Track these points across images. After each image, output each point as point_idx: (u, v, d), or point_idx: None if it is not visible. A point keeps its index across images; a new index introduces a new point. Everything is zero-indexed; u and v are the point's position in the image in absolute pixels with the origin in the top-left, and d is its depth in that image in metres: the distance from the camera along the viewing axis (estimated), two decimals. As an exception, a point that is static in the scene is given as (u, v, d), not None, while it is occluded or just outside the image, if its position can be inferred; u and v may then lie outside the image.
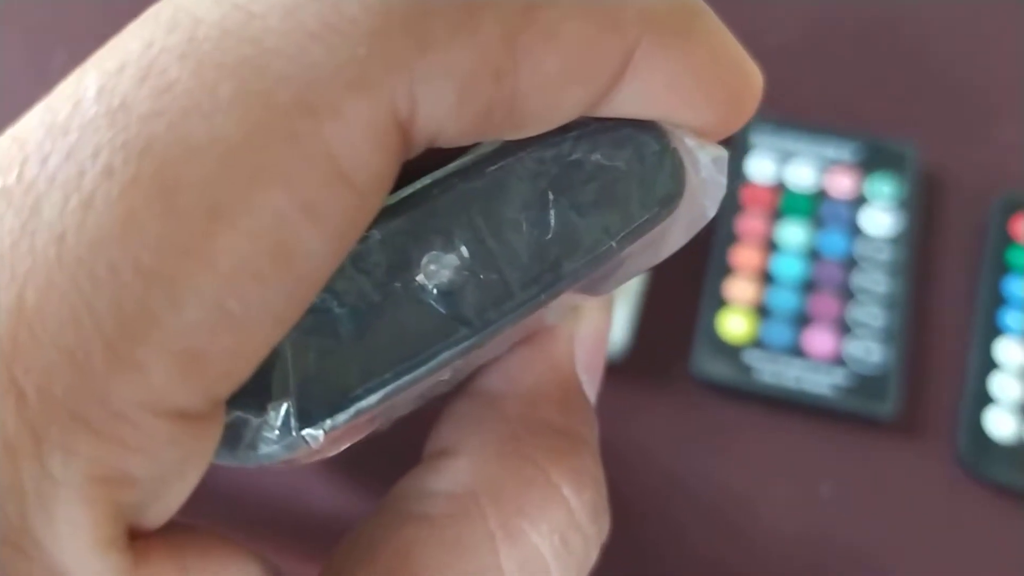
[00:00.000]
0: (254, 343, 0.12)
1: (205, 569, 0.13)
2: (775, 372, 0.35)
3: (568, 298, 0.15)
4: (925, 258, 0.38)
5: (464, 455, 0.17)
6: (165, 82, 0.11)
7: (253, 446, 0.14)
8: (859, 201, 0.38)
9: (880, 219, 0.38)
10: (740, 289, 0.36)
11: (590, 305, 0.18)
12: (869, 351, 0.35)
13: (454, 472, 0.17)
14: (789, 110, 0.41)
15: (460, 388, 0.18)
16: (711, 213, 0.15)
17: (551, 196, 0.14)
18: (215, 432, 0.12)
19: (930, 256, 0.38)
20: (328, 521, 0.32)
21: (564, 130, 0.14)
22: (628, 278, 0.16)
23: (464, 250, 0.14)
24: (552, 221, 0.14)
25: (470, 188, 0.14)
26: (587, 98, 0.14)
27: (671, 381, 0.36)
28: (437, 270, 0.14)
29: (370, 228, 0.14)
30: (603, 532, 0.17)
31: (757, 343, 0.35)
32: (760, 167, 0.39)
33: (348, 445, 0.16)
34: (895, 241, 0.37)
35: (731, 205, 0.38)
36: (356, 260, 0.14)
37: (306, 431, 0.14)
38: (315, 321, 0.14)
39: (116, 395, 0.11)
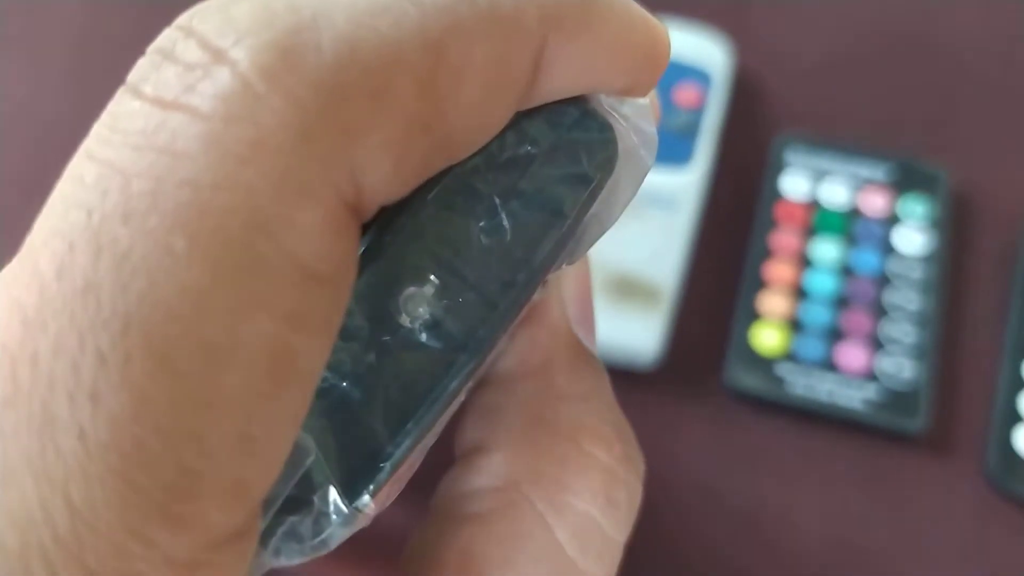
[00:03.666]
0: (280, 447, 0.12)
1: None
2: (807, 385, 0.35)
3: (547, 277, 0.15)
4: (957, 277, 0.38)
5: (497, 449, 0.17)
6: (119, 252, 0.11)
7: (316, 536, 0.14)
8: (892, 220, 0.39)
9: (912, 238, 0.38)
10: (773, 303, 0.37)
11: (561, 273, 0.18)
12: (901, 367, 0.35)
13: (492, 467, 0.17)
14: (823, 129, 0.42)
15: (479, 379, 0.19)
16: (650, 162, 0.16)
17: (497, 201, 0.14)
18: (258, 529, 0.13)
19: (962, 275, 0.38)
20: (378, 530, 0.33)
21: None
22: (594, 242, 0.16)
23: (435, 280, 0.14)
24: (506, 223, 0.14)
25: (419, 221, 0.14)
26: (510, 107, 0.14)
27: (704, 393, 0.36)
28: (417, 308, 0.14)
29: None
30: (641, 469, 0.18)
31: (790, 356, 0.36)
32: (794, 185, 0.39)
33: (398, 494, 0.17)
34: (927, 260, 0.38)
35: (765, 221, 0.39)
36: (340, 332, 0.13)
37: (356, 503, 0.14)
38: (326, 403, 0.14)
39: (183, 549, 0.11)
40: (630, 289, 0.36)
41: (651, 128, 0.16)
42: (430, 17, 0.12)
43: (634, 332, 0.36)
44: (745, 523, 0.34)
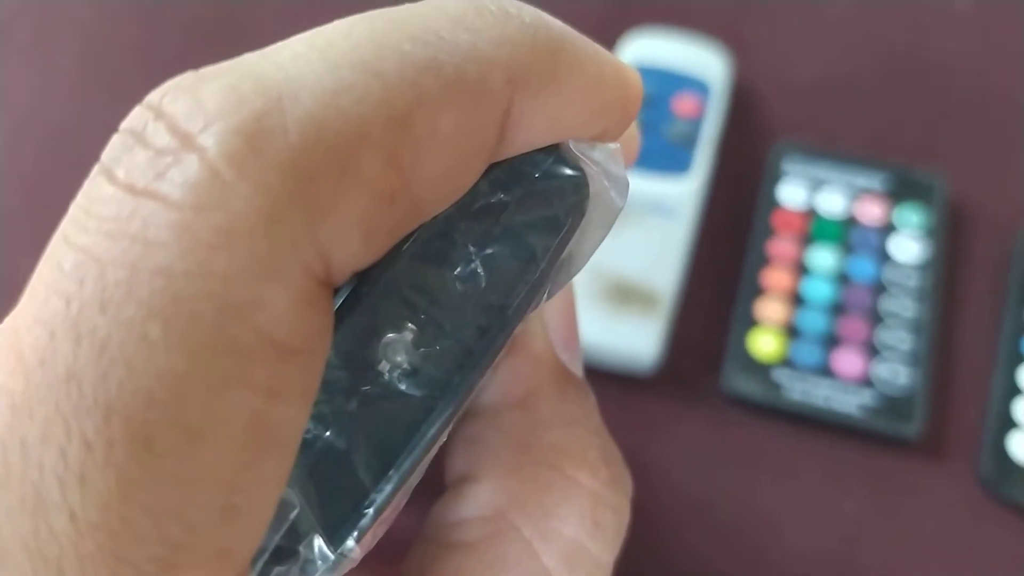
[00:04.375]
0: (263, 512, 0.13)
1: None
2: (804, 391, 0.36)
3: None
4: (952, 285, 0.39)
5: (484, 479, 0.18)
6: (98, 341, 0.11)
7: None
8: (888, 229, 0.39)
9: (908, 247, 0.39)
10: (771, 310, 0.38)
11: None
12: (896, 373, 0.36)
13: (479, 496, 0.18)
14: (821, 140, 0.42)
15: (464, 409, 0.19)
16: (621, 203, 0.16)
17: (472, 249, 0.14)
18: None
19: (957, 283, 0.39)
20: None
21: None
22: (567, 281, 0.17)
23: (412, 327, 0.14)
24: (480, 270, 0.15)
25: (394, 274, 0.14)
26: (477, 169, 0.14)
27: (702, 397, 0.37)
28: (395, 356, 0.14)
29: None
30: (628, 490, 0.19)
31: (787, 362, 0.36)
32: (792, 194, 0.40)
33: (383, 534, 0.17)
34: (923, 268, 0.38)
35: (763, 229, 0.39)
36: (321, 384, 0.14)
37: (342, 549, 0.14)
38: (309, 453, 0.14)
39: None
40: (629, 295, 0.37)
41: (621, 171, 0.16)
42: (394, 91, 0.12)
43: (633, 337, 0.36)
44: (739, 525, 0.35)
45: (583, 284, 0.37)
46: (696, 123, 0.41)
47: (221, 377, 0.11)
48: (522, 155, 0.15)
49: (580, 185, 0.15)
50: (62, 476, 0.11)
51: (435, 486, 0.19)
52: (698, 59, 0.42)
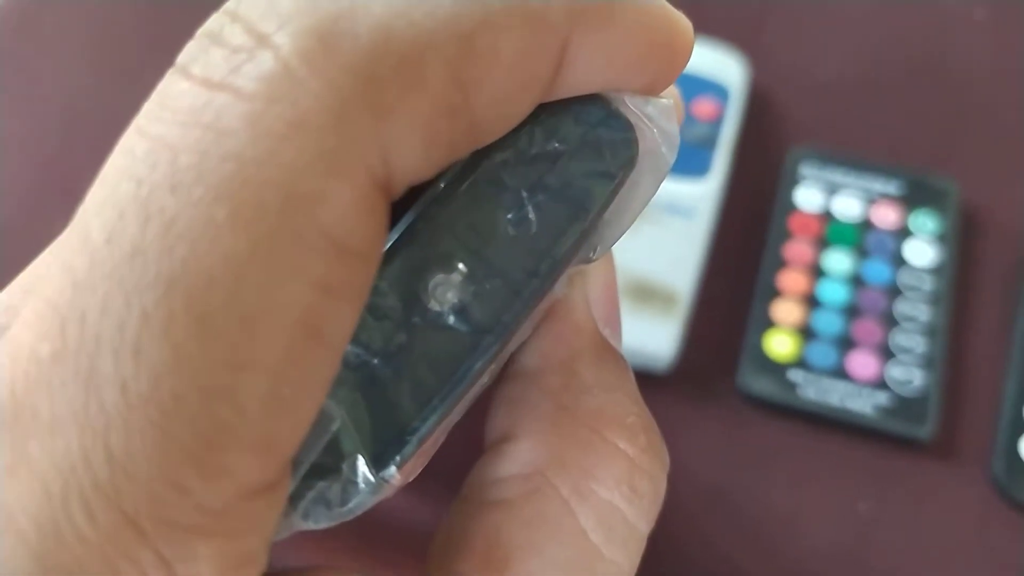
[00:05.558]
0: (308, 408, 0.13)
1: None
2: (819, 391, 0.36)
3: (569, 271, 0.16)
4: (966, 290, 0.39)
5: (523, 438, 0.18)
6: (166, 220, 0.12)
7: (344, 503, 0.15)
8: (903, 233, 0.40)
9: (923, 251, 0.39)
10: (787, 311, 0.38)
11: (593, 266, 0.19)
12: (910, 376, 0.36)
13: (519, 455, 0.18)
14: (837, 145, 0.43)
15: (503, 374, 0.19)
16: (671, 159, 0.16)
17: (524, 194, 0.15)
18: (287, 486, 0.14)
19: (971, 288, 0.40)
20: (405, 522, 0.33)
21: (518, 128, 0.15)
22: (616, 239, 0.17)
23: (463, 267, 0.15)
24: (532, 215, 0.15)
25: (450, 211, 0.15)
26: (534, 98, 0.15)
27: (717, 396, 0.37)
28: (445, 293, 0.15)
29: (376, 279, 0.14)
30: (665, 461, 0.19)
31: (802, 363, 0.37)
32: (808, 197, 0.41)
33: (421, 469, 0.18)
34: (937, 272, 0.39)
35: (780, 231, 0.40)
36: (373, 311, 0.15)
37: (383, 473, 0.15)
38: (358, 378, 0.15)
39: (215, 499, 0.12)
40: (648, 294, 0.37)
41: (673, 128, 0.16)
42: (462, 9, 0.13)
43: (651, 335, 0.37)
44: (754, 524, 0.35)
45: (602, 282, 0.37)
46: (715, 126, 0.41)
47: (280, 266, 0.12)
48: (577, 106, 0.15)
49: (632, 140, 0.16)
50: (118, 348, 0.12)
51: (459, 470, 0.19)
52: (717, 63, 0.43)
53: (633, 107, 0.16)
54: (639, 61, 0.16)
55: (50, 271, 0.13)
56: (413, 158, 0.13)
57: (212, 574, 0.12)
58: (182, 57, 0.13)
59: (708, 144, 0.41)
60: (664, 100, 0.16)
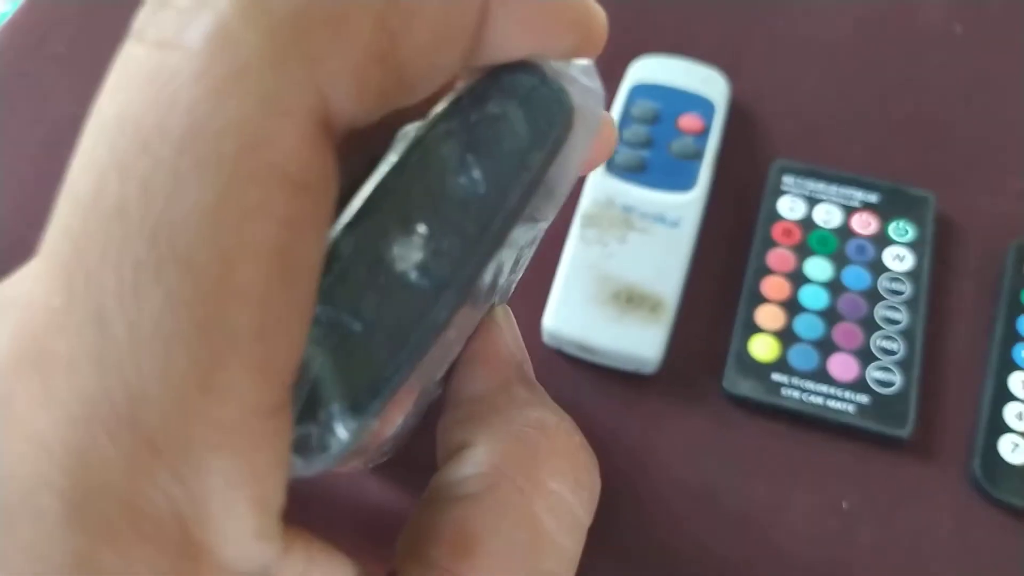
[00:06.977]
0: (294, 334, 0.14)
1: (325, 562, 0.16)
2: (801, 392, 0.37)
3: (517, 234, 0.18)
4: (944, 296, 0.41)
5: (479, 444, 0.21)
6: (141, 178, 0.13)
7: (323, 447, 0.16)
8: (882, 241, 0.41)
9: (901, 257, 0.41)
10: (770, 316, 0.39)
11: (507, 323, 0.23)
12: (890, 378, 0.38)
13: (477, 457, 0.20)
14: (819, 158, 0.44)
15: (448, 403, 0.22)
16: (600, 112, 0.18)
17: (470, 158, 0.17)
18: (290, 413, 0.15)
19: (949, 294, 0.41)
20: (370, 522, 0.34)
21: (459, 99, 0.17)
22: (561, 199, 0.19)
23: (421, 227, 0.16)
24: (479, 176, 0.17)
25: (405, 180, 0.17)
26: (459, 53, 0.16)
27: (703, 397, 0.39)
28: (407, 254, 0.16)
29: (340, 246, 0.16)
30: (595, 459, 0.22)
31: (785, 365, 0.38)
32: (791, 207, 0.42)
33: (400, 420, 0.19)
34: (915, 278, 0.40)
35: (763, 240, 0.41)
36: (342, 276, 0.16)
37: (361, 419, 0.16)
38: (332, 335, 0.16)
39: (221, 415, 0.14)
40: (636, 299, 0.39)
41: (597, 84, 0.18)
42: None
43: (639, 339, 0.38)
44: (738, 522, 0.36)
45: (592, 289, 0.38)
46: (701, 139, 0.43)
47: (245, 206, 0.13)
48: (511, 75, 0.17)
49: (565, 101, 0.17)
50: (120, 293, 0.13)
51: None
52: (703, 80, 0.45)
53: (558, 69, 0.18)
54: (557, 26, 0.17)
55: (52, 234, 0.14)
56: (349, 100, 0.14)
57: (224, 488, 0.14)
58: (137, 23, 0.14)
59: (694, 156, 0.42)
60: (583, 61, 0.18)
